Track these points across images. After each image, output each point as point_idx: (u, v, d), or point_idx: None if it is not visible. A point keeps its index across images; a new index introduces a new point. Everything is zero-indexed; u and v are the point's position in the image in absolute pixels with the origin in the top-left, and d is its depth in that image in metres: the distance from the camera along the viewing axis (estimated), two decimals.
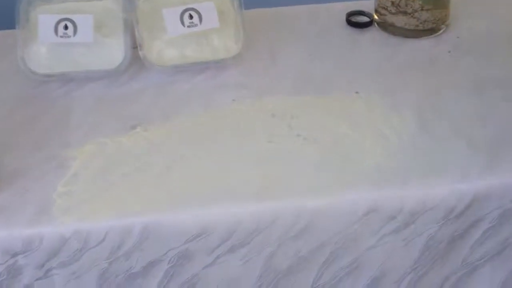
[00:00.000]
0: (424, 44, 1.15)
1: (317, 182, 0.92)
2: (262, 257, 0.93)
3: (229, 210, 0.90)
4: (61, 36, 1.07)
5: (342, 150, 0.96)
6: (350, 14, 1.20)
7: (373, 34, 1.18)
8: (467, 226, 0.93)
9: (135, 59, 1.10)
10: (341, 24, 1.20)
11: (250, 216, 0.90)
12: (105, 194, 0.92)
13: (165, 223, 0.90)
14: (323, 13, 1.23)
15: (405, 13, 1.14)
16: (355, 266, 0.95)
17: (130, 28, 1.08)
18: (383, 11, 1.16)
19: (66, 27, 1.07)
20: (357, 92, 1.06)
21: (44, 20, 1.07)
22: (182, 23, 1.08)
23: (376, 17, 1.19)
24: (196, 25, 1.08)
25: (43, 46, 1.08)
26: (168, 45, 1.09)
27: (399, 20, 1.15)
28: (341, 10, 1.22)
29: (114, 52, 1.08)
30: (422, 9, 1.14)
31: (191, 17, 1.08)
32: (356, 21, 1.20)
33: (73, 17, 1.07)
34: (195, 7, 1.08)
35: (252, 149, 0.97)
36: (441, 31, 1.17)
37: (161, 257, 0.91)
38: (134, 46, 1.08)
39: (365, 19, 1.20)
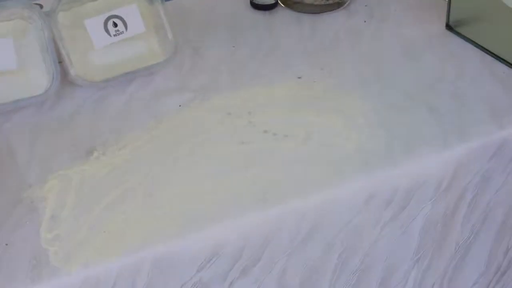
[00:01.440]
0: (337, 17, 1.16)
1: (310, 178, 0.91)
2: (274, 276, 0.90)
3: (233, 225, 0.87)
4: None
5: (318, 140, 0.95)
6: None
7: (283, 15, 1.17)
8: (456, 200, 0.96)
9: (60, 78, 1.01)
10: (247, 8, 1.18)
11: (256, 228, 0.88)
12: (97, 232, 0.85)
13: (174, 252, 0.85)
14: None
15: None
16: (363, 268, 0.95)
17: (52, 46, 0.99)
18: None
19: None
20: (299, 77, 1.04)
21: None
22: (108, 32, 1.01)
23: None
24: (122, 32, 1.01)
25: None
26: (95, 57, 1.01)
27: None
28: None
29: (40, 75, 0.98)
30: None
31: (115, 25, 1.01)
32: (261, 4, 1.17)
33: None
34: (117, 14, 1.01)
35: (227, 155, 0.93)
36: (347, 2, 1.17)
37: None
38: (59, 61, 0.99)
39: (268, 0, 1.18)
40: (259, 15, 1.17)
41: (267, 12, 1.17)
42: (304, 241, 0.89)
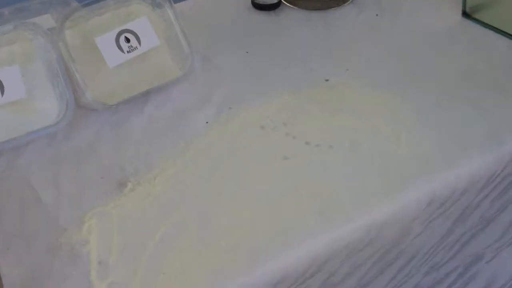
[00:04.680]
0: (346, 13, 1.10)
1: (369, 190, 0.84)
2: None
3: (301, 250, 0.80)
4: None
5: (366, 148, 0.88)
6: None
7: (288, 13, 1.10)
8: (496, 185, 0.91)
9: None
10: (249, 9, 1.10)
11: (322, 249, 0.81)
12: (155, 274, 0.76)
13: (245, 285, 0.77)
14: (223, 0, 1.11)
15: None
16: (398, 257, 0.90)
17: (63, 69, 0.89)
18: None
19: None
20: (327, 80, 0.97)
21: None
22: (121, 49, 0.92)
23: None
24: (135, 48, 0.92)
25: None
26: (110, 78, 0.92)
27: None
28: None
29: (51, 102, 0.89)
30: None
31: (127, 40, 0.92)
32: (263, 4, 1.09)
33: None
34: (129, 28, 0.92)
35: (274, 173, 0.86)
36: None
37: None
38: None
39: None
40: (264, 15, 1.09)
41: (271, 12, 1.09)
42: (362, 252, 0.83)
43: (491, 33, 1.04)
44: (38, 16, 0.95)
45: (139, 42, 0.92)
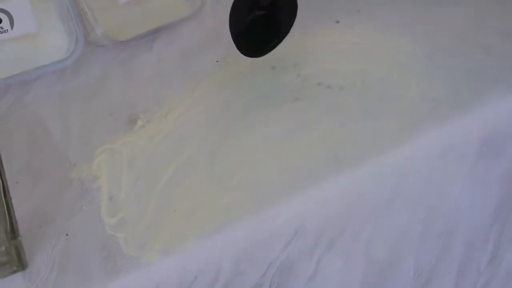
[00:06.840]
0: None
1: (381, 134, 0.83)
2: (361, 247, 0.83)
3: (313, 194, 0.79)
4: None
5: (377, 91, 0.87)
6: None
7: None
8: None
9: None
10: None
11: (338, 194, 0.80)
12: (166, 211, 0.76)
13: (257, 229, 0.77)
14: None
15: None
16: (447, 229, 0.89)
17: (73, 3, 0.88)
18: None
19: None
20: (337, 22, 0.96)
21: None
22: None
23: None
24: None
25: None
26: (119, 14, 0.91)
27: None
28: None
29: (60, 37, 0.87)
30: None
31: None
32: None
33: (5, 5, 0.85)
34: None
35: (285, 114, 0.85)
36: None
37: (261, 278, 0.79)
38: None
39: None
40: None
41: None
42: (387, 207, 0.82)
43: None
44: None
45: None
